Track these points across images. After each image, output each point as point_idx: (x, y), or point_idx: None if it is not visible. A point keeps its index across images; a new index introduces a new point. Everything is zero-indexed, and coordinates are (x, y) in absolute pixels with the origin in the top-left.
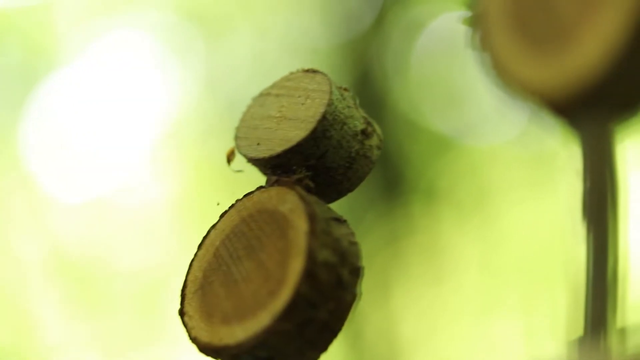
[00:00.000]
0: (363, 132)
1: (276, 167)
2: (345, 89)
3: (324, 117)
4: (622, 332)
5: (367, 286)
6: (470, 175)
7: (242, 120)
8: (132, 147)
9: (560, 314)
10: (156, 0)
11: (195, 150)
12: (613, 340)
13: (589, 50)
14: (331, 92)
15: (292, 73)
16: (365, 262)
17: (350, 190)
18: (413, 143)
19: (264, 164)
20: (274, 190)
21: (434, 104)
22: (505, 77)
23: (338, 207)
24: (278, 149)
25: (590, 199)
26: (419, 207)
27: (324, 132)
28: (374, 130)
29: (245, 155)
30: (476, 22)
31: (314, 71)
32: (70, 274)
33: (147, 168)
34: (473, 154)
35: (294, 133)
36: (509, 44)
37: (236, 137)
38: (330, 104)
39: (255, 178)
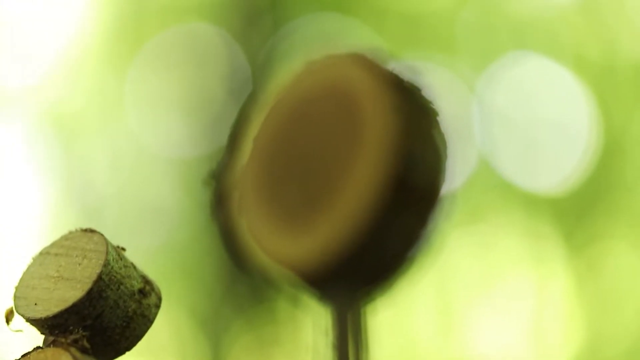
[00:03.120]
0: (141, 291)
1: (53, 327)
2: (123, 249)
3: (99, 278)
4: None
5: None
6: None
7: (21, 280)
8: None
9: None
10: (11, 106)
11: None
12: None
13: (336, 223)
14: (107, 252)
15: (70, 232)
16: None
17: (128, 349)
18: None
19: (41, 324)
20: (50, 351)
21: None
22: (259, 247)
23: (206, 313)
24: (54, 309)
25: None
26: (284, 314)
27: (100, 292)
28: (153, 289)
29: (22, 316)
30: (233, 186)
31: (92, 231)
32: None
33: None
34: None
35: (71, 293)
36: (262, 214)
37: (14, 297)
38: (106, 264)
39: None
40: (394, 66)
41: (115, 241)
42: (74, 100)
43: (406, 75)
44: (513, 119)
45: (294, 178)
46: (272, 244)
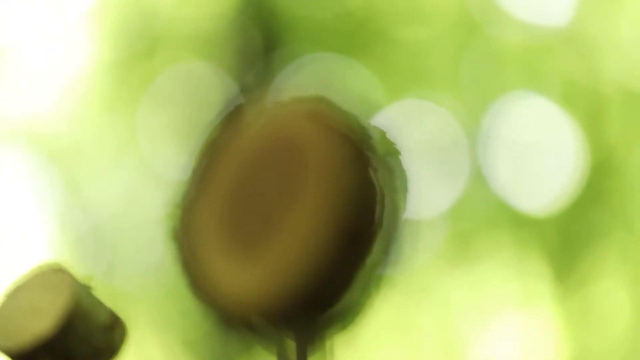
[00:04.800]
0: (108, 326)
1: (24, 358)
2: (90, 286)
3: (69, 313)
4: None
5: None
6: None
7: None
8: None
9: None
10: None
11: None
12: None
13: (289, 252)
14: (76, 289)
15: (40, 267)
16: None
17: None
18: None
19: (12, 356)
20: None
21: None
22: (213, 287)
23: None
24: (25, 342)
25: None
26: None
27: (69, 327)
28: (119, 324)
29: None
30: (184, 230)
31: (60, 267)
32: None
33: None
34: None
35: (41, 327)
36: (219, 251)
37: None
38: (75, 299)
39: None
40: (347, 115)
41: (111, 262)
42: (73, 132)
43: (359, 124)
44: (506, 146)
45: (249, 215)
46: (228, 279)
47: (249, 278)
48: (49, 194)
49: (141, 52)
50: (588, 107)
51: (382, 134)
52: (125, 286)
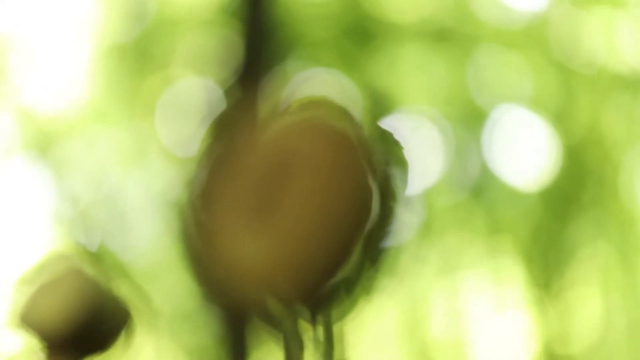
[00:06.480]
0: (118, 315)
1: (50, 347)
2: (100, 277)
3: (84, 302)
4: None
5: None
6: None
7: (11, 303)
8: None
9: None
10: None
11: None
12: None
13: (287, 229)
14: (89, 277)
15: (52, 257)
16: None
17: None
18: None
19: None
20: None
21: None
22: (228, 260)
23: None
24: (51, 331)
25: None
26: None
27: (86, 315)
28: (129, 310)
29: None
30: (197, 211)
31: (71, 257)
32: None
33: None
34: None
35: (58, 318)
36: (238, 231)
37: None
38: (88, 288)
39: None
40: (345, 119)
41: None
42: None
43: (356, 127)
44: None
45: (259, 204)
46: (237, 241)
47: (258, 249)
48: (55, 173)
49: (138, 43)
50: (562, 93)
51: (387, 134)
52: (131, 261)
